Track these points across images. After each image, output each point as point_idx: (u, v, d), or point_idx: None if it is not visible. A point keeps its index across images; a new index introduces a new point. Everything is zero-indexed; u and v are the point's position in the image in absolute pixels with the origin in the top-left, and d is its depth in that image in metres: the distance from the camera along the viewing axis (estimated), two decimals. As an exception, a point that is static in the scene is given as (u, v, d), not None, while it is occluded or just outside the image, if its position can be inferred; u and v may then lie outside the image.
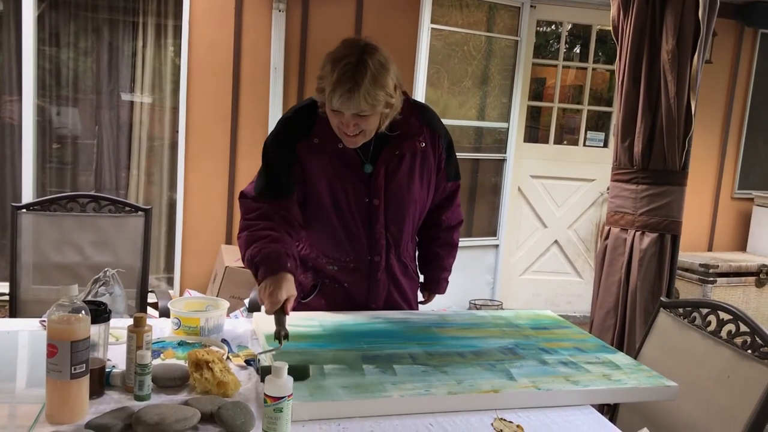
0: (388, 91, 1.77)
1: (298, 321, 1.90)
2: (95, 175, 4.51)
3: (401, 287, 2.10)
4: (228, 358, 1.71)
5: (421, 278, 2.27)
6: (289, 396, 1.27)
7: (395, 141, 1.92)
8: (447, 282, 2.27)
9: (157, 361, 1.65)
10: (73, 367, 1.32)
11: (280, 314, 1.69)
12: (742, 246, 5.60)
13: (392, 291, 2.08)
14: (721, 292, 4.59)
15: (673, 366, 1.86)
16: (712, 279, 4.59)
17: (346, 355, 1.70)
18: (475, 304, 4.92)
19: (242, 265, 4.03)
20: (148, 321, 1.57)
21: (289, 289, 1.72)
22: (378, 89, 1.73)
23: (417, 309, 2.22)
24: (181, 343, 1.78)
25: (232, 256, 4.15)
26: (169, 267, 4.50)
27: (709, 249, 5.58)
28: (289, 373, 1.51)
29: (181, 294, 4.30)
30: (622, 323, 2.96)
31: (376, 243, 1.99)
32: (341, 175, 1.91)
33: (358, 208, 1.94)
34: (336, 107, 1.75)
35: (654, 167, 2.93)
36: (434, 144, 2.00)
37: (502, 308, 4.94)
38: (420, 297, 2.27)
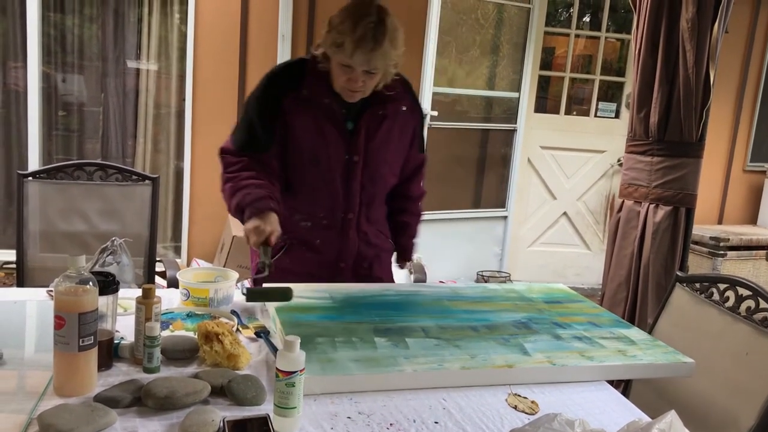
0: (399, 53, 1.88)
1: (307, 293, 1.88)
2: (102, 142, 4.47)
3: (374, 246, 2.13)
4: (238, 329, 1.69)
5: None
6: (301, 370, 1.25)
7: (379, 102, 1.99)
8: (415, 247, 2.36)
9: (165, 333, 1.63)
10: (80, 340, 1.29)
11: (265, 247, 1.82)
12: (752, 219, 5.55)
13: (363, 250, 2.11)
14: (731, 266, 4.56)
15: (689, 342, 1.83)
16: (722, 252, 4.55)
17: (357, 327, 1.68)
18: (482, 275, 4.90)
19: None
20: (157, 292, 1.55)
21: (273, 223, 1.84)
22: (393, 50, 1.84)
23: (391, 272, 2.26)
24: (190, 315, 1.75)
25: (239, 225, 4.12)
26: (177, 236, 4.48)
27: (720, 222, 5.53)
28: (272, 297, 1.75)
29: (188, 263, 4.28)
30: (634, 297, 2.93)
31: (352, 199, 2.03)
32: (325, 129, 1.97)
33: (337, 164, 1.99)
34: (355, 63, 1.82)
35: (670, 139, 2.87)
36: (413, 111, 2.09)
37: (509, 280, 4.92)
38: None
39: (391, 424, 1.31)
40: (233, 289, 1.88)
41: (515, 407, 1.42)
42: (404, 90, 2.06)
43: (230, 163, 2.00)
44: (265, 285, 1.83)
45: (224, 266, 3.80)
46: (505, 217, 5.08)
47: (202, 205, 4.40)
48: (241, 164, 1.96)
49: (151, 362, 1.43)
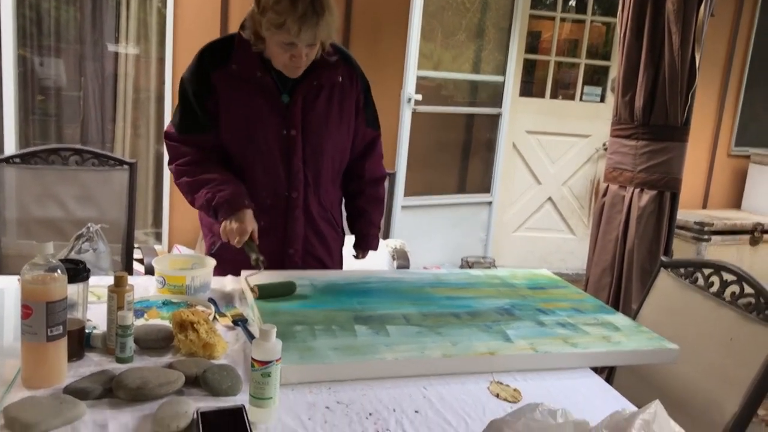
0: (336, 18, 1.85)
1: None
2: (81, 127, 4.38)
3: (321, 233, 2.06)
4: (215, 318, 1.65)
5: (353, 237, 2.22)
6: (277, 360, 1.21)
7: (314, 72, 1.93)
8: (378, 238, 2.24)
9: (140, 322, 1.59)
10: (49, 329, 1.25)
11: (250, 243, 1.82)
12: (737, 204, 5.56)
13: (310, 236, 2.03)
14: (715, 251, 4.56)
15: (674, 328, 1.81)
16: (706, 237, 4.55)
17: (337, 315, 1.65)
18: (467, 261, 4.88)
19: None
20: (133, 279, 1.50)
21: (252, 221, 1.84)
22: (333, 19, 1.81)
23: (341, 263, 2.19)
24: (165, 303, 1.71)
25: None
26: (157, 222, 4.40)
27: (704, 207, 5.54)
28: (275, 293, 1.74)
29: (169, 249, 4.23)
30: (618, 282, 2.91)
31: (294, 177, 1.96)
32: (258, 104, 1.91)
33: (274, 140, 1.92)
34: (302, 41, 1.77)
35: (655, 122, 2.84)
36: (352, 81, 2.01)
37: (494, 265, 4.91)
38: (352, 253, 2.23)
39: (370, 414, 1.28)
40: (210, 276, 1.84)
41: (497, 395, 1.40)
42: (340, 60, 1.98)
43: (178, 154, 1.95)
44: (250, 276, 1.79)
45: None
46: (490, 203, 5.05)
47: (183, 190, 4.33)
48: (189, 158, 1.92)
49: (124, 352, 1.39)
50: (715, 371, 1.67)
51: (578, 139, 5.21)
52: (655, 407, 0.83)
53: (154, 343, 1.47)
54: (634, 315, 2.00)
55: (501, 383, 1.45)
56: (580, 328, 1.68)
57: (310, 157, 1.96)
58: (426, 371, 1.45)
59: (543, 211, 5.31)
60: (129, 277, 1.51)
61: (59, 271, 1.27)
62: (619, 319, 1.77)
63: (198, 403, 1.24)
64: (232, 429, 1.16)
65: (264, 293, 1.73)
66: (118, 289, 1.44)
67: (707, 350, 1.72)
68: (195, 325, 1.45)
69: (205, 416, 1.18)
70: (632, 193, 2.91)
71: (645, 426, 0.80)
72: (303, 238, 2.02)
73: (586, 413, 1.35)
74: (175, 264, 1.86)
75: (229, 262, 1.97)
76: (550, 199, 5.29)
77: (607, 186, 3.04)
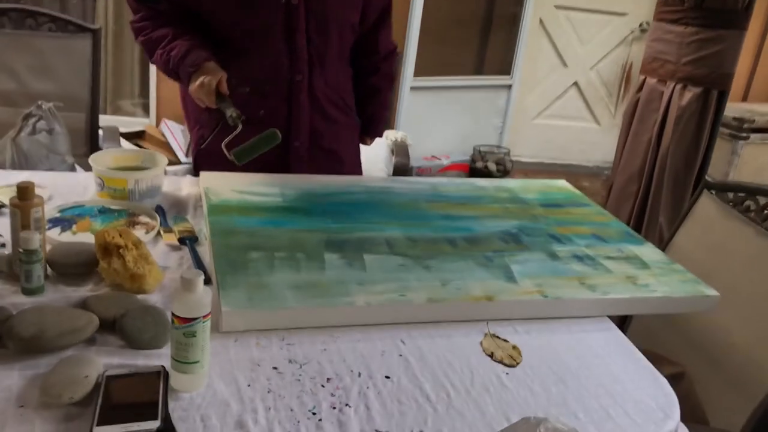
0: None
1: (251, 187, 1.54)
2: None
3: (330, 117, 1.76)
4: (158, 233, 1.37)
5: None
6: (205, 316, 0.93)
7: None
8: (386, 122, 1.97)
9: (66, 236, 1.31)
10: None
11: (221, 99, 1.52)
12: (781, 97, 5.08)
13: (318, 122, 1.73)
14: (753, 150, 4.16)
15: (712, 264, 1.51)
16: (744, 135, 4.14)
17: (306, 237, 1.35)
18: (479, 150, 4.53)
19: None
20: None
21: (214, 70, 1.53)
22: None
23: (358, 157, 1.92)
24: (102, 211, 1.43)
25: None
26: (145, 92, 4.05)
27: (744, 99, 5.07)
28: (262, 146, 1.47)
29: (157, 123, 3.91)
30: (647, 192, 2.57)
31: (297, 57, 1.64)
32: None
33: (273, 11, 1.59)
34: None
35: (710, 5, 2.39)
36: None
37: (509, 155, 4.55)
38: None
39: (328, 380, 1.01)
40: (161, 178, 1.54)
41: (491, 355, 1.13)
42: None
43: (134, 10, 1.66)
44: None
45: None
46: (509, 86, 4.62)
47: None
48: (143, 13, 1.64)
49: (30, 282, 1.12)
50: (761, 324, 1.38)
51: (613, 18, 4.69)
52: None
53: (74, 268, 1.20)
54: (665, 243, 1.70)
55: (497, 337, 1.18)
56: (600, 264, 1.39)
57: (315, 32, 1.65)
58: (406, 319, 1.18)
59: (567, 97, 4.89)
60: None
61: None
62: (648, 251, 1.47)
63: (110, 359, 0.98)
64: (144, 400, 0.90)
65: (243, 157, 1.46)
66: (23, 203, 1.14)
67: (753, 297, 1.43)
68: (121, 251, 1.16)
69: (111, 383, 0.92)
70: (673, 89, 2.51)
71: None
72: (309, 126, 1.72)
73: (600, 381, 1.09)
74: (118, 161, 1.55)
75: (221, 157, 1.66)
76: (575, 84, 4.85)
77: (644, 79, 2.63)
